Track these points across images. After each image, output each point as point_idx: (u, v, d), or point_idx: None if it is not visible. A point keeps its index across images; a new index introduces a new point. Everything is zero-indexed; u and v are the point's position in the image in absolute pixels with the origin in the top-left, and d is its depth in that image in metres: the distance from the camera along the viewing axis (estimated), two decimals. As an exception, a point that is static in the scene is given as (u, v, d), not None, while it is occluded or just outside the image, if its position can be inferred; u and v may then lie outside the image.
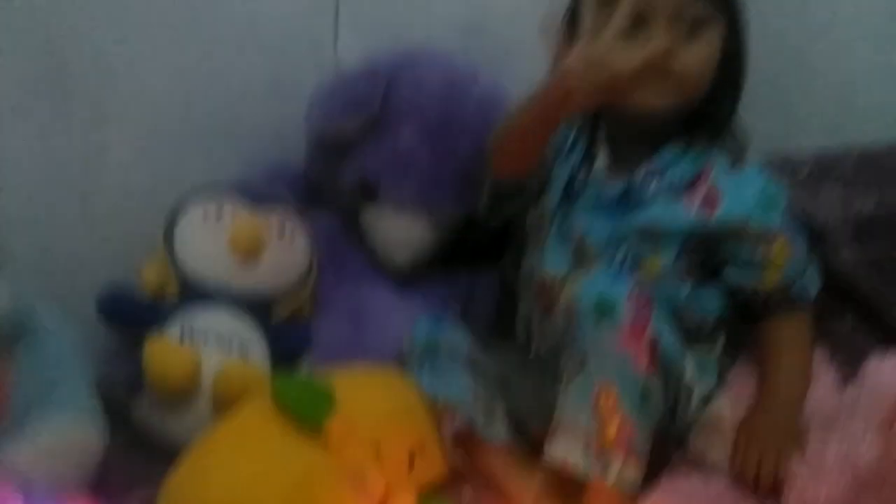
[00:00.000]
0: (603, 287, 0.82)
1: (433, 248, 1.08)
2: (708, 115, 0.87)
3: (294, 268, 1.02)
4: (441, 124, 1.05)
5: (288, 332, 1.01)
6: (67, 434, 0.83)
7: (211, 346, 0.94)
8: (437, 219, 1.06)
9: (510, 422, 0.89)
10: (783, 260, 0.88)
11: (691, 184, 0.87)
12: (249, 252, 0.98)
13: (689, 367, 0.85)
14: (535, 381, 0.91)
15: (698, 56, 0.83)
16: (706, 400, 0.87)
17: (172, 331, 0.95)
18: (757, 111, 0.93)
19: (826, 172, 1.05)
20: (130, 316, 0.97)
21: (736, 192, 0.87)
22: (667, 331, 0.83)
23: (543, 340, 0.92)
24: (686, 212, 0.87)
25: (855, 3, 1.13)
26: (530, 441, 0.89)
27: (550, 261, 0.91)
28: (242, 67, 1.13)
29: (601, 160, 0.90)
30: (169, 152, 1.09)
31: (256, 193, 1.03)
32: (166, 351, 0.91)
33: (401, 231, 1.07)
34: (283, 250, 1.01)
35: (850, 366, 0.93)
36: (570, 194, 0.91)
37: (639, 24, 0.81)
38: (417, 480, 0.83)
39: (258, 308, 0.99)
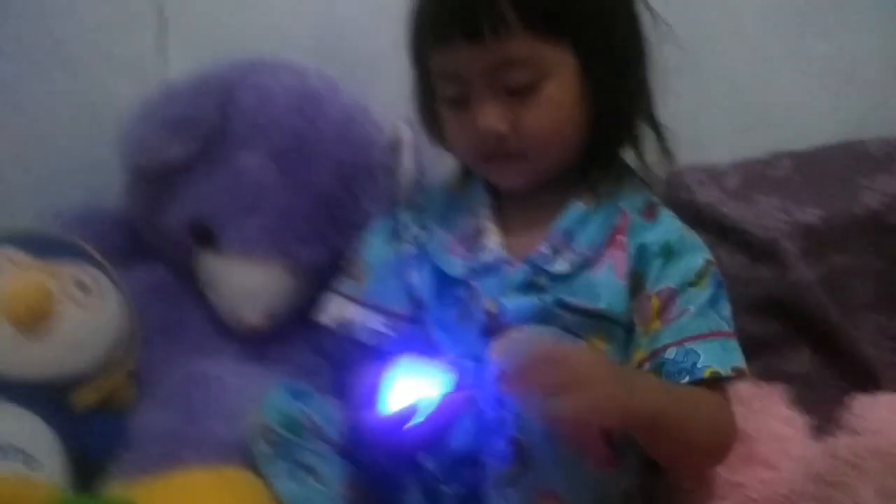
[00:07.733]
0: None
1: (292, 301, 0.95)
2: (599, 155, 0.80)
3: (101, 339, 0.86)
4: (293, 148, 0.94)
5: (94, 428, 0.84)
6: None
7: (-22, 457, 0.78)
8: (294, 265, 0.94)
9: None
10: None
11: (606, 245, 0.78)
12: (32, 320, 0.82)
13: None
14: None
15: (537, 120, 0.76)
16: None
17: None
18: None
19: (758, 182, 0.97)
20: None
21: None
22: None
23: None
24: (610, 286, 0.76)
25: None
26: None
27: (446, 344, 0.79)
28: (44, 90, 1.03)
29: (492, 239, 0.80)
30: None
31: (43, 243, 0.88)
32: None
33: (249, 283, 0.94)
34: (84, 316, 0.85)
35: (815, 410, 0.84)
36: (446, 284, 0.81)
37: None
38: None
39: (50, 396, 0.83)
